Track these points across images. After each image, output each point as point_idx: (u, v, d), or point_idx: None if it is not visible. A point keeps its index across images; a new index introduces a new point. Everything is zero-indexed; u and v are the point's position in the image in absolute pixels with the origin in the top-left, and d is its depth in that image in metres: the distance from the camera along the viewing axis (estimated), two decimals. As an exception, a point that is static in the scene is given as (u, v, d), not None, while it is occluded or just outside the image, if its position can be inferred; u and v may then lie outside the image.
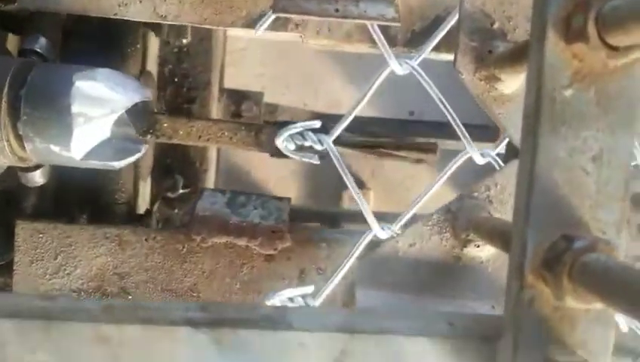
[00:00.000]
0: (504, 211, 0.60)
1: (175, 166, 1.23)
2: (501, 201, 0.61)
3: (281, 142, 0.62)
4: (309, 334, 0.42)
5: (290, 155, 0.63)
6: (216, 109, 1.24)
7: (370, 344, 0.42)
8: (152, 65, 1.10)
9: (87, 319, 0.41)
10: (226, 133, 1.05)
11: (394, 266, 0.60)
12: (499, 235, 0.53)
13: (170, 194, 1.21)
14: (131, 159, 0.64)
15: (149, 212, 1.04)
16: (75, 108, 0.58)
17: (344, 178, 0.61)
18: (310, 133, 0.63)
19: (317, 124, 0.64)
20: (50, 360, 0.40)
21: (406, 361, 0.43)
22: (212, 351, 0.41)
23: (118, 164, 0.63)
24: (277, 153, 1.13)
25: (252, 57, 1.83)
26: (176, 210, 1.18)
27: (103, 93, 0.60)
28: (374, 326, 0.43)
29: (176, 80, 1.21)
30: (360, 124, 1.05)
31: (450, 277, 0.61)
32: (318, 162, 0.64)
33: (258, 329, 0.42)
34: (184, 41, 1.17)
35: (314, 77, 1.85)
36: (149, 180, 1.12)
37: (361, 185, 1.81)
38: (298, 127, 0.63)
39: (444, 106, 0.65)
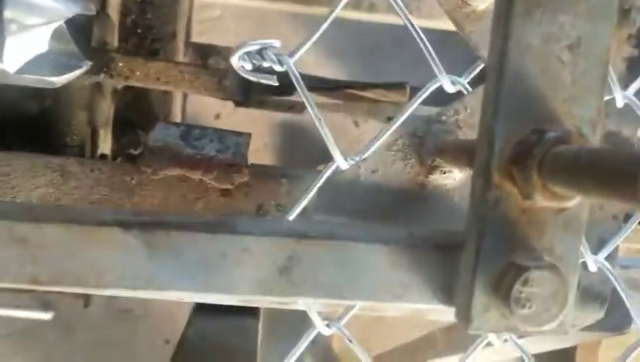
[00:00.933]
0: (473, 136, 0.56)
1: (137, 121, 1.17)
2: (471, 126, 0.57)
3: (237, 60, 0.57)
4: (254, 238, 0.38)
5: (246, 76, 0.58)
6: (181, 63, 1.18)
7: (321, 250, 0.38)
8: (113, 13, 1.04)
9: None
10: (187, 77, 0.99)
11: (355, 193, 0.56)
12: (465, 153, 0.49)
13: (132, 151, 1.16)
14: (71, 75, 0.59)
15: (103, 157, 0.99)
16: (7, 14, 0.53)
17: (302, 97, 0.56)
18: (269, 53, 0.58)
19: (276, 43, 0.59)
20: (-43, 261, 0.36)
21: (360, 270, 0.39)
22: (143, 254, 0.37)
23: (57, 80, 0.58)
24: (242, 102, 1.08)
25: (227, 26, 1.77)
26: (139, 168, 1.13)
27: (39, 0, 0.54)
28: (325, 232, 0.38)
29: (139, 31, 1.16)
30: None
31: (413, 205, 0.57)
32: (277, 84, 0.59)
33: (196, 232, 0.37)
34: (148, -10, 1.12)
35: (290, 46, 1.80)
36: (109, 132, 1.07)
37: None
38: (256, 44, 0.58)
39: (415, 30, 0.61)
